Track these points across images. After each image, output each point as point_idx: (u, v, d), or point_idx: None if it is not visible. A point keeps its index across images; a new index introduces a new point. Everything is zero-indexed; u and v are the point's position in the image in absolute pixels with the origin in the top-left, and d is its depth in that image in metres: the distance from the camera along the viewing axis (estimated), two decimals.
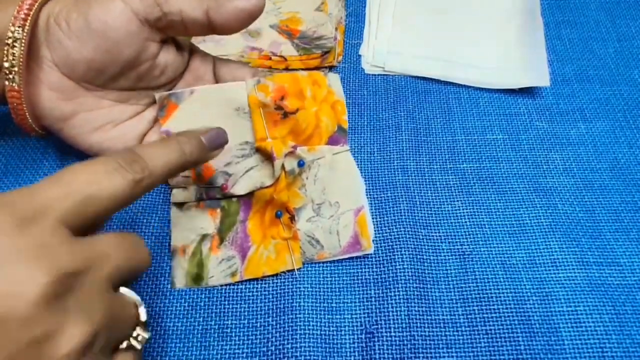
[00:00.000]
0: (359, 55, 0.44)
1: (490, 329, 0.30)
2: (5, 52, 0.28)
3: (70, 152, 0.37)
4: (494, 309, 0.31)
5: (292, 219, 0.33)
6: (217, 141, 0.29)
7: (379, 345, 0.30)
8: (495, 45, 0.45)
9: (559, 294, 0.31)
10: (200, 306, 0.31)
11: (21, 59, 0.28)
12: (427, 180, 0.37)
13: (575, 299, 0.31)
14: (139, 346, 0.23)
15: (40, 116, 0.32)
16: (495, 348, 0.30)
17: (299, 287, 0.32)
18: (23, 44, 0.28)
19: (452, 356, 0.29)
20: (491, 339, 0.30)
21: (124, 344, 0.22)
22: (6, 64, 0.28)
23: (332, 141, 0.35)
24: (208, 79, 0.35)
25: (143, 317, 0.23)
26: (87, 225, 0.21)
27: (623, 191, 0.36)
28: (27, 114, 0.30)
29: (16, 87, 0.29)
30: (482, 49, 0.45)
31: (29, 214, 0.19)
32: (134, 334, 0.22)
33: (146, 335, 0.23)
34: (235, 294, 0.32)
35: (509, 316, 0.31)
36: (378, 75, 0.43)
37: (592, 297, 0.31)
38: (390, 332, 0.30)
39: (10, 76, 0.29)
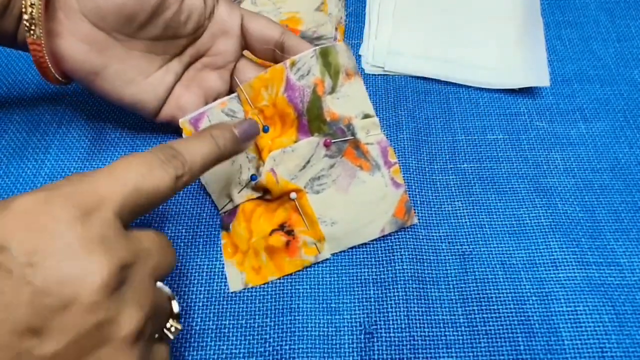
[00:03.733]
0: (359, 55, 0.44)
1: (490, 329, 0.30)
2: (24, 3, 0.28)
3: (71, 152, 0.38)
4: (494, 309, 0.31)
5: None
6: (249, 133, 0.29)
7: (378, 345, 0.30)
8: (495, 45, 0.45)
9: (559, 294, 0.31)
10: (198, 306, 0.31)
11: (40, 11, 0.28)
12: (428, 180, 0.37)
13: (575, 299, 0.31)
14: (172, 337, 0.24)
15: (71, 69, 0.32)
16: (495, 348, 0.29)
17: (298, 288, 0.32)
18: None
19: (452, 356, 0.29)
20: (491, 339, 0.30)
21: (156, 335, 0.23)
22: (25, 17, 0.28)
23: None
24: (234, 34, 0.35)
25: (176, 309, 0.24)
26: (132, 219, 0.22)
27: (623, 191, 0.36)
28: (49, 65, 0.30)
29: (37, 40, 0.29)
30: (482, 49, 0.44)
31: (88, 205, 0.20)
32: (168, 325, 0.24)
33: (179, 326, 0.24)
34: (233, 295, 0.32)
35: (508, 316, 0.31)
36: (378, 75, 0.43)
37: (592, 297, 0.31)
38: (389, 332, 0.30)
39: (32, 28, 0.29)
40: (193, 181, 0.26)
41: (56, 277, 0.18)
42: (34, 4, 0.28)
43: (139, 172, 0.22)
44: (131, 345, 0.20)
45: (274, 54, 0.35)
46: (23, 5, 0.28)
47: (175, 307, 0.24)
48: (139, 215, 0.23)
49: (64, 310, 0.18)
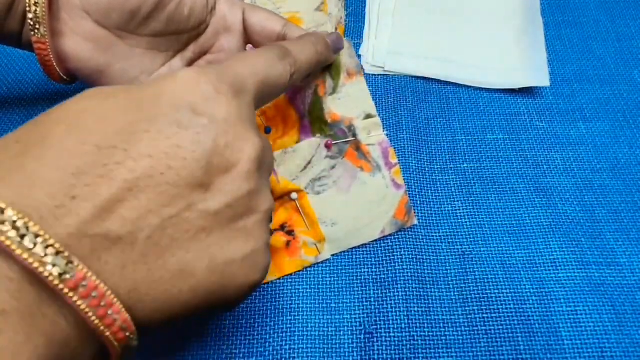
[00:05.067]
0: (359, 55, 0.44)
1: (490, 329, 0.30)
2: (28, 2, 0.28)
3: None
4: (494, 309, 0.31)
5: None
6: (338, 44, 0.33)
7: (378, 345, 0.30)
8: (496, 45, 0.45)
9: (559, 294, 0.31)
10: None
11: (44, 9, 0.28)
12: (428, 180, 0.37)
13: (575, 299, 0.31)
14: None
15: (76, 68, 0.32)
16: (495, 348, 0.29)
17: (298, 288, 0.32)
18: None
19: (452, 356, 0.29)
20: (491, 339, 0.30)
21: None
22: (29, 15, 0.28)
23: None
24: (237, 29, 0.35)
25: None
26: (258, 107, 0.24)
27: (623, 191, 0.36)
28: (54, 64, 0.31)
29: (41, 39, 0.29)
30: (482, 49, 0.44)
31: (237, 86, 0.22)
32: None
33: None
34: None
35: (508, 316, 0.31)
36: (378, 75, 0.43)
37: (591, 297, 0.31)
38: (389, 332, 0.30)
39: (36, 27, 0.29)
40: (300, 80, 0.29)
41: (223, 140, 0.20)
42: (38, 3, 0.28)
43: (266, 64, 0.24)
44: (267, 222, 0.22)
45: None
46: (27, 4, 0.28)
47: None
48: (261, 105, 0.25)
49: (226, 173, 0.20)
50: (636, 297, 0.31)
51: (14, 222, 0.15)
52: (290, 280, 0.32)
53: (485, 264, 0.33)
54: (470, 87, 0.42)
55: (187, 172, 0.19)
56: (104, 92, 0.19)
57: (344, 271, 0.33)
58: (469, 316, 0.31)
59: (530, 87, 0.42)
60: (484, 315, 0.31)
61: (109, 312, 0.17)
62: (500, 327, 0.30)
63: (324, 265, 0.33)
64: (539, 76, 0.42)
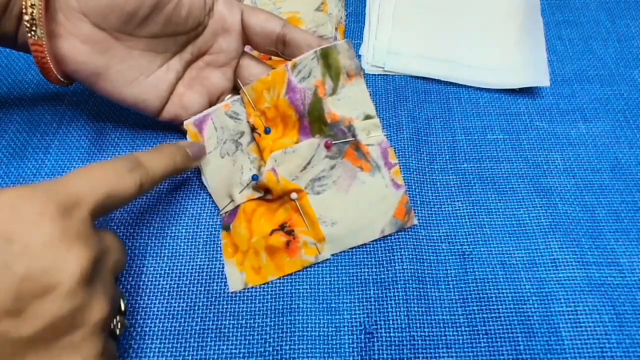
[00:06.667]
0: (359, 55, 0.44)
1: (490, 329, 0.30)
2: (24, 4, 0.28)
3: (71, 152, 0.38)
4: (494, 309, 0.31)
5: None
6: (200, 153, 0.34)
7: (378, 345, 0.30)
8: (496, 45, 0.45)
9: (559, 294, 0.31)
10: (198, 306, 0.31)
11: (40, 11, 0.28)
12: (428, 180, 0.37)
13: (575, 299, 0.31)
14: (118, 333, 0.25)
15: (73, 71, 0.32)
16: (495, 348, 0.29)
17: (298, 288, 0.32)
18: None
19: (452, 356, 0.29)
20: (491, 339, 0.30)
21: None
22: (26, 17, 0.28)
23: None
24: (235, 30, 0.35)
25: (122, 307, 0.26)
26: (99, 218, 0.25)
27: (623, 191, 0.36)
28: (51, 66, 0.31)
29: (38, 41, 0.29)
30: (482, 49, 0.44)
31: (67, 203, 0.22)
32: (114, 322, 0.25)
33: (125, 323, 0.26)
34: (233, 295, 0.32)
35: (508, 316, 0.31)
36: (378, 75, 0.43)
37: (592, 297, 0.31)
38: (389, 332, 0.30)
39: (33, 29, 0.29)
40: (152, 189, 0.29)
41: (39, 265, 0.20)
42: (34, 5, 0.28)
43: (110, 179, 0.25)
44: (99, 332, 0.22)
45: (277, 50, 0.35)
46: (23, 6, 0.28)
47: (122, 305, 0.26)
48: (105, 214, 0.25)
49: (44, 296, 0.20)
50: (636, 297, 0.31)
51: None
52: (290, 280, 0.32)
53: (485, 264, 0.33)
54: (470, 87, 0.42)
55: None
56: None
57: (344, 271, 0.33)
58: (469, 316, 0.31)
59: (530, 87, 0.42)
60: (484, 315, 0.31)
61: None
62: (500, 327, 0.30)
63: (324, 265, 0.33)
64: (539, 76, 0.42)
